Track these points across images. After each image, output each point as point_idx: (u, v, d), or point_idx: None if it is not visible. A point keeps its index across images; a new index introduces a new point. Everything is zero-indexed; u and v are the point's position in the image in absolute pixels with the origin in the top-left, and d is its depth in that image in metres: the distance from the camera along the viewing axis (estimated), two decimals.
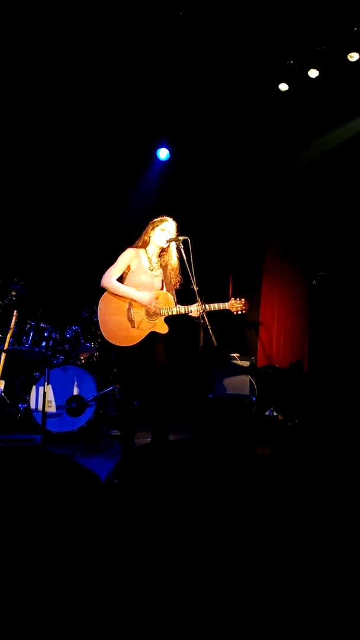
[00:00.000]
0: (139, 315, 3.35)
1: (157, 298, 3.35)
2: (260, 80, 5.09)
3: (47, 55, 4.69)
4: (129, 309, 3.35)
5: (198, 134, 5.69)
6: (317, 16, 4.37)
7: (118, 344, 3.35)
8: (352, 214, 5.15)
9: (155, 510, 2.39)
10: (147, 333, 3.35)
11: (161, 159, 5.86)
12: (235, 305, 3.36)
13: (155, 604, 1.72)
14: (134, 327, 3.34)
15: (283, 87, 5.05)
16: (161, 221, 3.41)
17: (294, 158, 5.42)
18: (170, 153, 5.82)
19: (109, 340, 3.36)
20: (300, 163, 5.39)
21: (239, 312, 3.37)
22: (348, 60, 4.61)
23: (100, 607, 1.68)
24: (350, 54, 4.58)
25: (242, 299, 3.39)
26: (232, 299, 3.38)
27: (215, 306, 3.30)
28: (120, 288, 3.33)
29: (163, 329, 3.37)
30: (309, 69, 4.82)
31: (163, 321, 3.37)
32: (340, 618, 1.71)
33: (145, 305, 3.31)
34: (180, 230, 3.45)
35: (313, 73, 4.83)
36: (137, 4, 4.28)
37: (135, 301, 3.33)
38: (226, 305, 3.34)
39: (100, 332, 3.42)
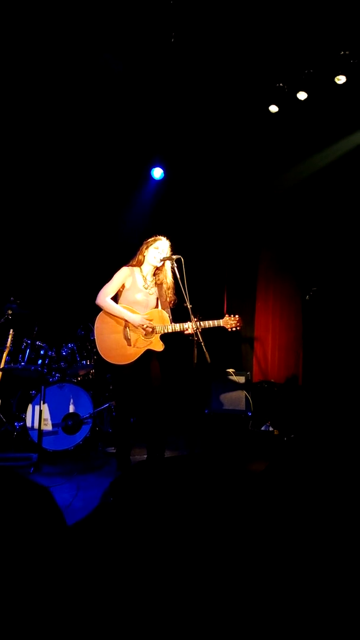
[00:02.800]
0: (135, 333, 3.39)
1: (151, 319, 3.38)
2: (251, 102, 5.23)
3: (45, 78, 4.80)
4: (125, 327, 3.39)
5: (191, 154, 5.81)
6: (305, 40, 4.51)
7: (115, 362, 3.37)
8: (342, 230, 5.24)
9: (151, 527, 2.39)
10: (143, 351, 3.38)
11: (155, 178, 5.96)
12: (229, 322, 3.39)
13: (149, 621, 1.73)
14: (130, 345, 3.37)
15: (273, 108, 5.18)
16: (155, 240, 3.46)
17: (285, 177, 5.54)
18: (164, 172, 5.93)
19: (105, 358, 3.38)
20: (292, 181, 5.51)
21: (233, 329, 3.41)
22: (336, 82, 4.75)
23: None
24: (337, 77, 4.72)
25: (236, 316, 3.42)
26: (227, 315, 3.42)
27: (209, 323, 3.34)
28: (114, 307, 3.37)
29: (159, 346, 3.40)
30: (298, 92, 4.97)
31: (159, 339, 3.41)
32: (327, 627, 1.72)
33: (138, 327, 3.35)
34: (174, 248, 3.51)
35: (302, 95, 4.97)
36: (130, 31, 4.41)
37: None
38: (220, 322, 3.38)
39: (97, 350, 3.45)
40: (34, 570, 1.77)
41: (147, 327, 3.34)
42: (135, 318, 3.34)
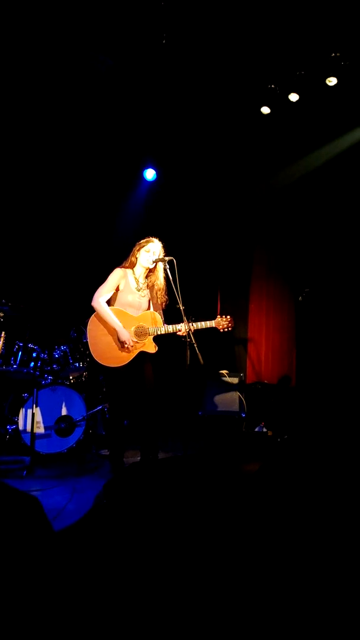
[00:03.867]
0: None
1: (138, 337, 3.36)
2: (243, 103, 5.25)
3: (37, 78, 4.79)
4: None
5: (184, 155, 5.82)
6: (297, 42, 4.54)
7: (108, 365, 3.35)
8: (335, 231, 5.27)
9: (145, 528, 2.38)
10: (136, 353, 3.37)
11: (148, 180, 5.96)
12: (221, 322, 3.40)
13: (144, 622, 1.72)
14: (123, 347, 3.36)
15: (265, 110, 5.20)
16: (146, 242, 3.46)
17: (277, 178, 5.56)
18: (156, 174, 5.93)
19: (99, 361, 3.36)
20: (284, 183, 5.53)
21: (225, 330, 3.41)
22: (327, 84, 4.78)
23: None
24: (328, 79, 4.75)
25: (228, 317, 3.43)
26: (219, 316, 3.43)
27: (202, 324, 3.35)
28: (107, 314, 3.35)
29: (152, 348, 3.39)
30: (289, 93, 4.99)
31: (152, 340, 3.40)
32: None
33: (123, 341, 3.32)
34: (168, 249, 3.50)
35: (293, 97, 4.99)
36: (122, 31, 4.41)
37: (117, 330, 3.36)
38: (212, 323, 3.39)
39: (90, 352, 3.43)
40: (22, 576, 1.76)
41: (127, 346, 3.32)
42: (124, 333, 3.32)
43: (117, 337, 3.35)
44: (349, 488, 3.09)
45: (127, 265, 3.49)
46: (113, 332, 3.37)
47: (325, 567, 2.14)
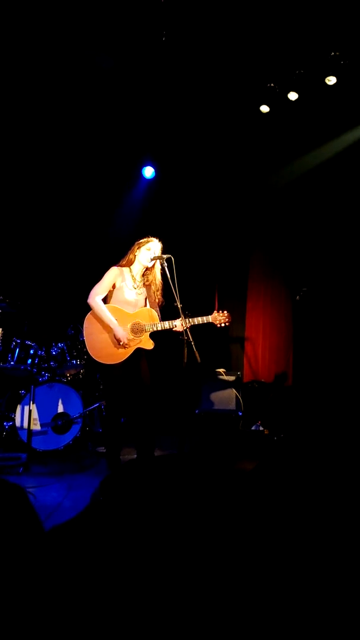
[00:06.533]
0: (124, 332, 3.37)
1: (135, 334, 3.36)
2: (242, 102, 5.25)
3: (36, 76, 4.78)
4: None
5: (183, 153, 5.81)
6: (296, 41, 4.53)
7: (105, 362, 3.35)
8: (333, 231, 5.27)
9: (141, 525, 2.39)
10: (133, 349, 3.37)
11: (147, 178, 5.95)
12: (218, 318, 3.39)
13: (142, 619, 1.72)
14: (120, 344, 3.36)
15: (264, 108, 5.20)
16: (147, 241, 3.46)
17: (276, 177, 5.56)
18: (155, 171, 5.92)
19: (96, 359, 3.36)
20: (282, 181, 5.53)
21: (222, 325, 3.40)
22: (326, 83, 4.78)
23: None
24: (327, 78, 4.76)
25: (225, 312, 3.42)
26: (215, 311, 3.42)
27: (198, 320, 3.34)
28: (103, 311, 3.35)
29: (149, 344, 3.39)
30: (288, 92, 4.99)
31: (148, 337, 3.40)
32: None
33: (118, 339, 3.32)
34: (166, 248, 3.50)
35: (293, 95, 4.99)
36: (122, 29, 4.40)
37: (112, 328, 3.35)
38: (209, 319, 3.38)
39: (87, 350, 3.43)
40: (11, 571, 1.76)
41: (123, 344, 3.32)
42: (118, 331, 3.32)
43: (113, 334, 3.36)
44: (345, 486, 3.10)
45: (124, 263, 3.49)
46: (109, 329, 3.37)
47: (322, 565, 2.15)
